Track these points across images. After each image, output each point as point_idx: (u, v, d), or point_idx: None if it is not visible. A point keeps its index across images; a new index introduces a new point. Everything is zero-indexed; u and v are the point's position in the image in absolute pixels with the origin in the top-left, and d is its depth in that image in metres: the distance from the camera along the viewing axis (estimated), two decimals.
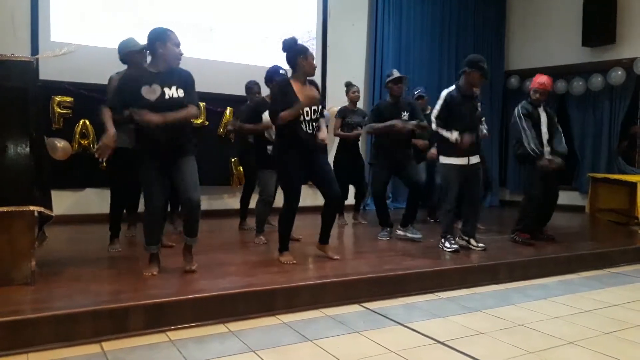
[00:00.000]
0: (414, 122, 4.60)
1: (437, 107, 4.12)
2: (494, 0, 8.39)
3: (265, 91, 4.65)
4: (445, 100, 4.09)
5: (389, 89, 4.72)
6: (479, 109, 4.24)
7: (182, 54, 3.07)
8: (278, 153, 3.54)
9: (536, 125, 4.53)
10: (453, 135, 4.00)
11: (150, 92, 2.93)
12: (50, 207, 2.96)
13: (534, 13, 8.25)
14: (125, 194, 3.94)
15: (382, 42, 7.24)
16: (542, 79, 4.60)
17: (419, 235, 4.58)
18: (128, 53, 3.65)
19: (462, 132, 3.99)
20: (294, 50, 3.47)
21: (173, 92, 2.98)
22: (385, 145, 4.66)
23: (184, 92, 3.02)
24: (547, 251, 4.33)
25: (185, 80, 3.05)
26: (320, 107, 3.56)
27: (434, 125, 4.10)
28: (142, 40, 3.27)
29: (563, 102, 7.84)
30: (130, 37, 3.75)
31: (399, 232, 4.70)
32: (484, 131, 4.57)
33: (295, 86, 3.45)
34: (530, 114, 4.53)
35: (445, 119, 4.07)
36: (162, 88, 2.96)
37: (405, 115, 4.61)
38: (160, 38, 2.98)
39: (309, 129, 3.47)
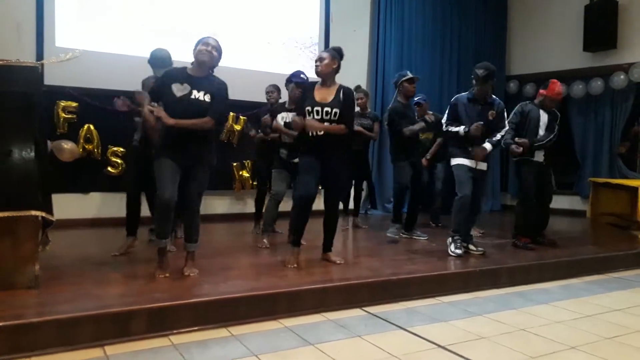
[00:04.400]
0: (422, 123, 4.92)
1: (447, 111, 4.31)
2: (494, 6, 8.42)
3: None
4: (451, 102, 4.29)
5: (403, 88, 4.77)
6: (490, 117, 4.18)
7: (205, 50, 3.09)
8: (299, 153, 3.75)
9: (535, 127, 4.57)
10: (460, 128, 4.12)
11: (179, 89, 3.08)
12: (51, 212, 2.98)
13: (535, 18, 8.27)
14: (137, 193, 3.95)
15: (384, 48, 7.27)
16: (560, 89, 4.63)
17: (425, 236, 4.91)
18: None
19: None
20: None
21: (200, 96, 3.09)
22: (406, 143, 4.74)
23: (210, 99, 3.11)
24: (549, 255, 4.33)
25: (216, 89, 3.14)
26: (333, 109, 3.49)
27: (444, 126, 4.25)
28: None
29: (564, 106, 7.84)
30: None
31: (404, 236, 4.95)
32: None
33: (317, 89, 3.58)
34: (528, 114, 4.59)
35: (453, 121, 4.21)
36: (192, 89, 3.09)
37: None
38: (195, 46, 3.15)
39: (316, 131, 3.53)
